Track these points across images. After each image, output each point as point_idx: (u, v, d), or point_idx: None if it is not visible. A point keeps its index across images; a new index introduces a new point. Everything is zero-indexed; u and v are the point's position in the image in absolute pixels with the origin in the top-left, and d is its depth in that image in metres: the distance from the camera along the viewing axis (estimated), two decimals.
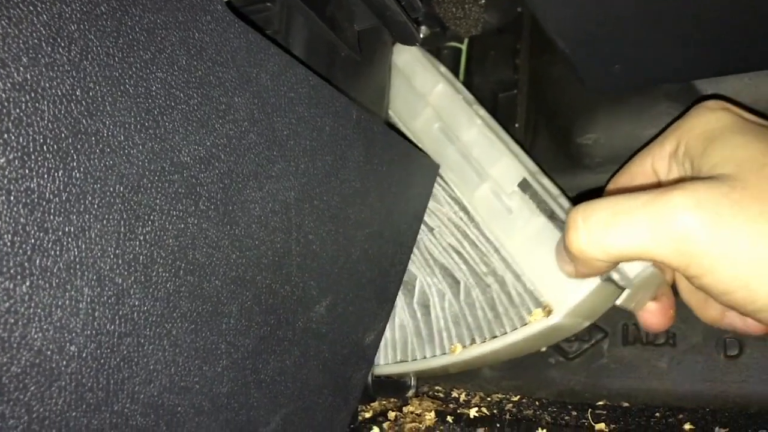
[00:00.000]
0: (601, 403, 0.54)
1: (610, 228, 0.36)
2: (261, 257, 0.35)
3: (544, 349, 0.56)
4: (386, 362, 0.55)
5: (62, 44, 0.25)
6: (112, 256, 0.28)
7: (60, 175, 0.25)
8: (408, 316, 0.54)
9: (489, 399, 0.58)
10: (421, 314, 0.54)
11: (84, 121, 0.26)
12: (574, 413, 0.53)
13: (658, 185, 0.43)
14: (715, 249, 0.33)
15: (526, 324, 0.47)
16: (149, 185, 0.29)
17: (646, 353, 0.54)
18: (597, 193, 0.45)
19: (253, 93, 0.34)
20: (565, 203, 0.48)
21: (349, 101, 0.41)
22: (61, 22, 0.25)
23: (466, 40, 0.63)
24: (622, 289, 0.44)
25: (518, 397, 0.57)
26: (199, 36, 0.31)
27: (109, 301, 0.28)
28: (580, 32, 0.49)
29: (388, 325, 0.53)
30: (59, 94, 0.25)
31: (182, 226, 0.30)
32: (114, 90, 0.27)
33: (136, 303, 0.29)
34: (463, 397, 0.59)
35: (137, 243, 0.28)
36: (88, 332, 0.27)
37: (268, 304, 0.36)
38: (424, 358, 0.53)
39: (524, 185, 0.49)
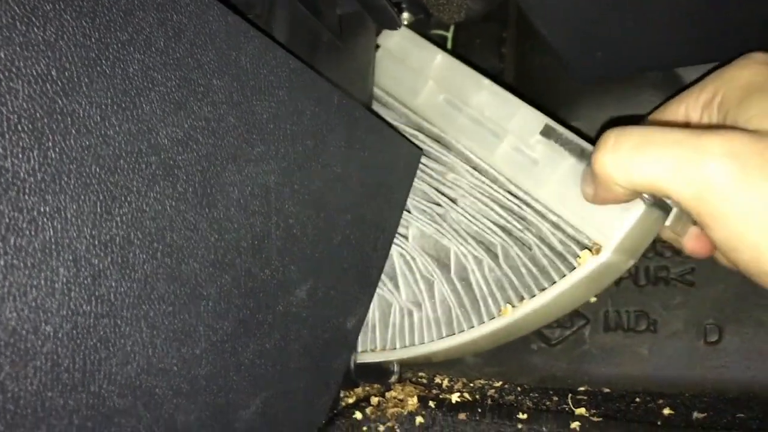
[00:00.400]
0: (582, 388, 0.54)
1: (638, 155, 0.36)
2: (240, 240, 0.35)
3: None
4: (431, 339, 0.53)
5: (37, 23, 0.25)
6: (88, 237, 0.28)
7: (35, 154, 0.25)
8: (448, 290, 0.53)
9: (471, 385, 0.58)
10: (461, 286, 0.52)
11: (59, 101, 0.26)
12: (556, 399, 0.54)
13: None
14: (736, 204, 0.33)
15: (574, 269, 0.46)
16: (126, 166, 0.29)
17: (627, 340, 0.55)
18: None
19: (233, 76, 0.34)
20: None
21: (331, 86, 0.41)
22: (36, 2, 0.25)
23: (451, 28, 0.63)
24: (668, 211, 0.43)
25: (500, 383, 0.57)
26: (178, 18, 0.31)
27: (86, 281, 0.28)
28: (561, 19, 0.49)
29: (429, 304, 0.53)
30: (34, 73, 0.25)
31: (160, 207, 0.30)
32: (90, 70, 0.27)
33: (113, 284, 0.29)
34: (445, 383, 0.59)
35: (114, 224, 0.28)
36: (64, 312, 0.27)
37: (248, 288, 0.36)
38: (472, 327, 0.51)
39: (547, 131, 0.48)
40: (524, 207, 0.49)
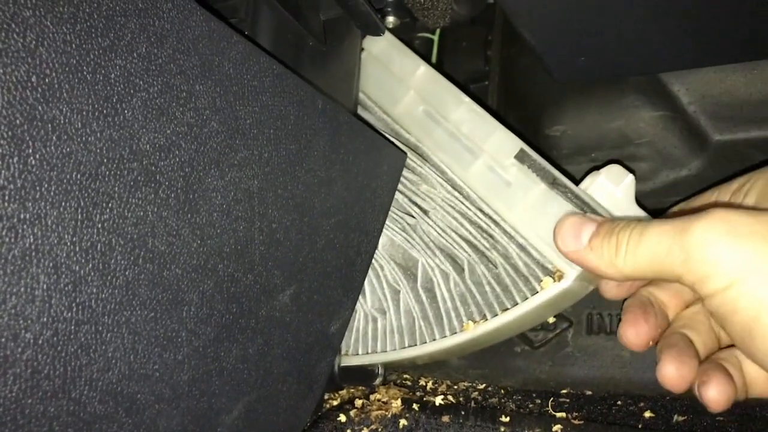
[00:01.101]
0: (564, 391, 0.55)
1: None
2: (223, 246, 0.35)
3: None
4: (393, 348, 0.54)
5: (17, 30, 0.25)
6: (69, 244, 0.27)
7: (15, 161, 0.25)
8: (413, 300, 0.53)
9: (455, 387, 0.58)
10: (426, 297, 0.53)
11: (40, 107, 0.26)
12: (538, 401, 0.54)
13: None
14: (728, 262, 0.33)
15: (536, 293, 0.47)
16: (107, 173, 0.29)
17: (609, 343, 0.55)
18: None
19: (216, 81, 0.34)
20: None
21: (315, 90, 0.41)
22: (16, 8, 0.25)
23: (437, 31, 0.63)
24: None
25: (484, 385, 0.58)
26: (160, 23, 0.31)
27: (66, 288, 0.28)
28: (545, 24, 0.50)
29: (393, 313, 0.53)
30: (14, 80, 0.25)
31: (141, 213, 0.30)
32: (71, 77, 0.27)
33: (94, 290, 0.29)
34: (430, 385, 0.59)
35: (95, 230, 0.28)
36: (45, 319, 0.27)
37: (230, 293, 0.36)
38: (434, 339, 0.52)
39: (521, 156, 0.49)
40: (493, 226, 0.50)
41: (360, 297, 0.54)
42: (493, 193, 0.50)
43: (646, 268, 0.37)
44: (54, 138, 0.26)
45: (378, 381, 0.57)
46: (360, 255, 0.49)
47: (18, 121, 0.25)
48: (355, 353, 0.54)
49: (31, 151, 0.26)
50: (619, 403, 0.52)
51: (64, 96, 0.27)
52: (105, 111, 0.28)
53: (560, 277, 0.46)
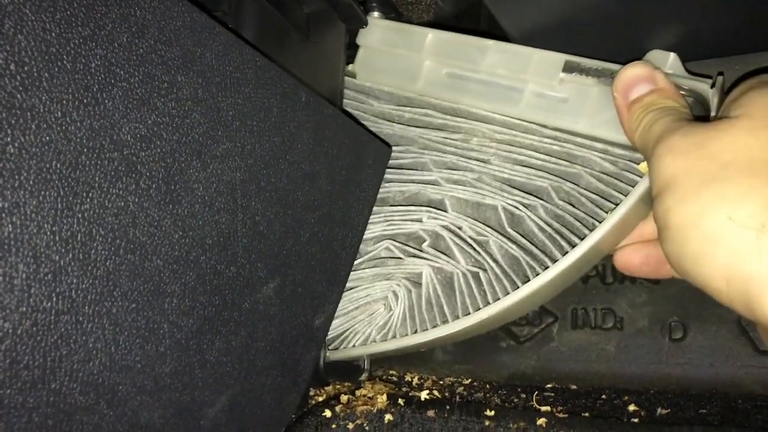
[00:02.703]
0: (550, 385, 0.55)
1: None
2: (205, 237, 0.35)
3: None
4: (505, 293, 0.49)
5: None
6: (48, 233, 0.27)
7: None
8: (509, 242, 0.50)
9: (441, 382, 0.58)
10: (520, 234, 0.50)
11: (19, 96, 0.26)
12: (524, 396, 0.54)
13: None
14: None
15: (640, 181, 0.45)
16: (88, 162, 0.28)
17: (594, 337, 0.55)
18: None
19: (197, 72, 0.34)
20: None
21: (298, 83, 0.41)
22: None
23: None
24: (706, 103, 0.45)
25: (470, 380, 0.58)
26: (141, 14, 0.31)
27: (46, 278, 0.28)
28: (529, 24, 0.50)
29: (492, 262, 0.50)
30: None
31: (122, 204, 0.30)
32: (51, 65, 0.27)
33: (74, 281, 0.29)
34: (415, 380, 0.59)
35: (75, 220, 0.28)
36: (24, 309, 0.27)
37: (213, 285, 0.36)
38: (547, 268, 0.47)
39: (570, 67, 0.49)
40: (566, 144, 0.49)
41: (450, 260, 0.52)
42: (553, 115, 0.49)
43: (642, 148, 0.41)
44: (33, 126, 0.26)
45: (364, 376, 0.57)
46: (345, 249, 0.49)
47: None
48: (465, 313, 0.50)
49: (9, 139, 0.25)
50: (603, 396, 0.53)
51: (44, 84, 0.27)
52: (85, 100, 0.28)
53: None
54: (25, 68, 0.26)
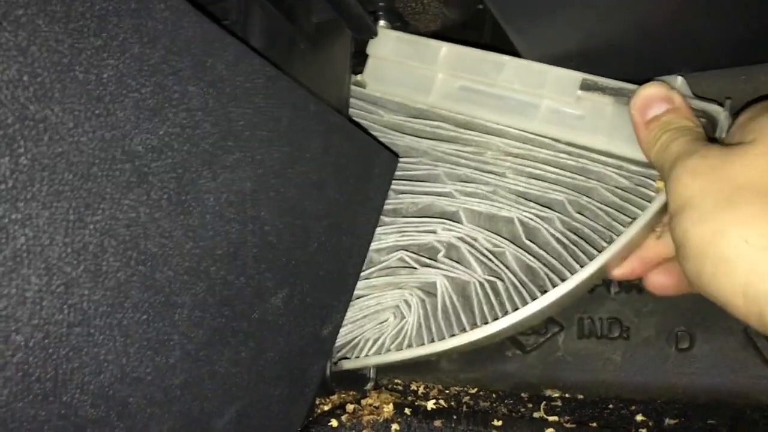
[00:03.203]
0: (556, 395, 0.55)
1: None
2: (215, 248, 0.35)
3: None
4: (524, 303, 0.49)
5: (8, 29, 0.25)
6: (61, 245, 0.27)
7: (6, 161, 0.25)
8: (525, 253, 0.50)
9: (447, 392, 0.58)
10: (536, 245, 0.50)
11: (31, 107, 0.26)
12: (530, 405, 0.54)
13: None
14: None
15: (654, 197, 0.46)
16: (99, 173, 0.28)
17: (600, 347, 0.55)
18: None
19: (208, 82, 0.33)
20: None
21: (307, 93, 0.41)
22: (8, 7, 0.25)
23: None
24: (716, 123, 0.46)
25: (476, 389, 0.57)
26: (153, 24, 0.30)
27: (58, 290, 0.27)
28: (534, 32, 0.50)
29: (509, 272, 0.50)
30: (5, 79, 0.25)
31: (134, 215, 0.30)
32: (63, 76, 0.27)
33: (86, 292, 0.29)
34: (421, 390, 0.59)
35: (87, 232, 0.28)
36: (36, 322, 0.27)
37: (223, 296, 0.36)
38: (565, 279, 0.48)
39: (587, 85, 0.49)
40: (581, 160, 0.49)
41: (467, 270, 0.52)
42: (568, 130, 0.50)
43: (659, 167, 0.42)
44: (46, 138, 0.26)
45: (369, 385, 0.57)
46: (352, 258, 0.49)
47: (9, 120, 0.25)
48: (484, 322, 0.49)
49: (22, 150, 0.25)
50: (610, 406, 0.52)
51: (56, 95, 0.26)
52: (97, 111, 0.28)
53: None
54: (38, 79, 0.26)
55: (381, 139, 0.55)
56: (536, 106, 0.51)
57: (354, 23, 0.50)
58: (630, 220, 0.47)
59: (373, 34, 0.53)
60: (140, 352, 0.32)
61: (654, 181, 0.47)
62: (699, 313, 0.53)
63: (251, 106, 0.36)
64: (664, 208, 0.46)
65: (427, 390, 0.59)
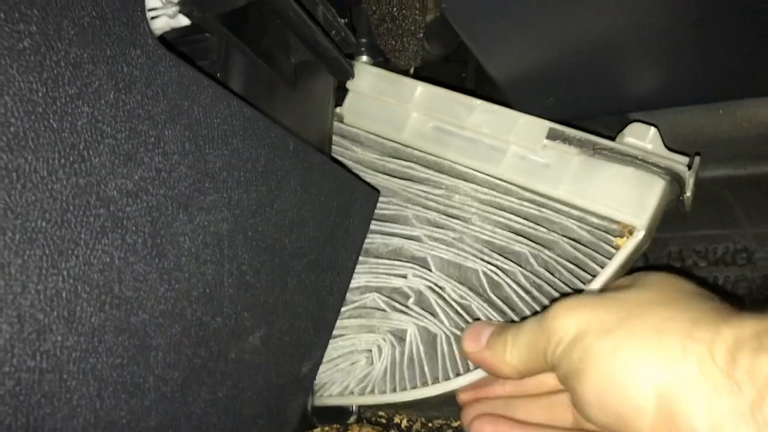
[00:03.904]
0: None
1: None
2: (191, 290, 0.35)
3: None
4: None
5: None
6: (33, 292, 0.27)
7: None
8: (490, 308, 0.49)
9: (430, 425, 0.58)
10: (501, 301, 0.49)
11: (4, 156, 0.26)
12: None
13: None
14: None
15: (615, 254, 0.46)
16: (73, 220, 0.28)
17: None
18: None
19: (185, 125, 0.34)
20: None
21: (286, 132, 0.41)
22: None
23: (412, 69, 0.64)
24: (682, 184, 0.47)
25: (458, 422, 0.57)
26: (128, 70, 0.31)
27: (30, 337, 0.27)
28: (512, 65, 0.50)
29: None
30: None
31: (108, 260, 0.30)
32: (37, 125, 0.27)
33: (59, 338, 0.29)
34: (404, 422, 0.59)
35: (60, 278, 0.28)
36: (7, 369, 0.27)
37: (199, 337, 0.36)
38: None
39: (554, 134, 0.50)
40: (544, 210, 0.49)
41: (435, 321, 0.51)
42: (533, 178, 0.50)
43: (528, 358, 0.39)
44: (19, 187, 0.26)
45: (352, 419, 0.57)
46: (332, 294, 0.49)
47: None
48: (446, 378, 0.48)
49: None
50: None
51: (30, 144, 0.27)
52: (71, 158, 0.28)
53: (631, 232, 0.46)
54: (11, 129, 0.26)
55: None
56: (503, 151, 0.52)
57: (331, 66, 0.50)
58: (590, 277, 0.47)
59: (350, 76, 0.54)
60: (114, 396, 0.32)
61: (614, 237, 0.47)
62: None
63: (228, 148, 0.37)
64: (623, 267, 0.47)
65: (411, 423, 0.59)
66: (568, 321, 0.36)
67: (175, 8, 0.38)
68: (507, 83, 0.52)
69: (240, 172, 0.37)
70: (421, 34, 0.50)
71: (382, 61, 0.56)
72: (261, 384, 0.42)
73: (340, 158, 0.57)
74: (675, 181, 0.47)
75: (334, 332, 0.52)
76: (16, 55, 0.26)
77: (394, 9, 0.47)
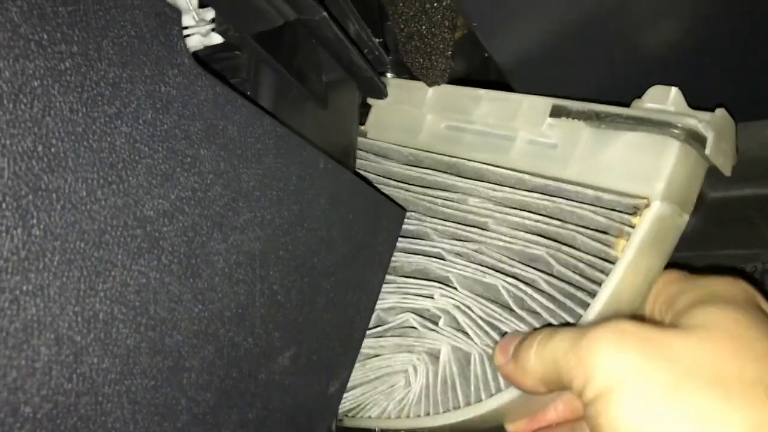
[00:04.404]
0: None
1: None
2: (224, 310, 0.35)
3: None
4: None
5: (24, 101, 0.25)
6: (71, 314, 0.27)
7: (19, 233, 0.25)
8: (519, 324, 0.46)
9: None
10: (528, 315, 0.46)
11: (45, 177, 0.26)
12: None
13: None
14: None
15: (632, 233, 0.41)
16: (111, 241, 0.28)
17: None
18: None
19: (220, 145, 0.34)
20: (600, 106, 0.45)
21: (317, 150, 0.41)
22: (24, 79, 0.25)
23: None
24: (703, 142, 0.41)
25: None
26: (166, 89, 0.31)
27: (67, 360, 0.27)
28: (525, 65, 0.50)
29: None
30: (20, 150, 0.25)
31: (144, 281, 0.30)
32: (77, 145, 0.27)
33: (95, 361, 0.28)
34: None
35: (97, 300, 0.28)
36: (45, 392, 0.26)
37: (231, 357, 0.36)
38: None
39: (557, 110, 0.46)
40: (556, 199, 0.46)
41: (467, 340, 0.49)
42: (542, 162, 0.47)
43: (550, 373, 0.35)
44: (58, 207, 0.26)
45: None
46: (359, 313, 0.48)
47: (23, 192, 0.25)
48: (478, 399, 0.45)
49: (35, 221, 0.25)
50: None
51: (70, 165, 0.26)
52: (110, 178, 0.28)
53: (647, 204, 0.41)
54: (52, 150, 0.26)
55: (382, 190, 0.55)
56: (512, 139, 0.49)
57: (365, 85, 0.50)
58: (611, 266, 0.42)
59: (384, 95, 0.54)
60: (148, 418, 0.31)
61: (631, 215, 0.42)
62: None
63: (261, 167, 0.36)
64: (651, 249, 0.42)
65: None
66: (608, 362, 0.32)
67: (209, 26, 0.38)
68: (519, 77, 0.51)
69: (273, 191, 0.37)
70: (450, 53, 0.49)
71: (408, 77, 0.56)
72: (290, 404, 0.42)
73: (364, 173, 0.56)
74: (693, 140, 0.41)
75: (371, 351, 0.52)
76: (57, 76, 0.26)
77: (423, 27, 0.47)
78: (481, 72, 0.68)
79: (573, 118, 0.45)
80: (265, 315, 0.38)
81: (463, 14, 0.48)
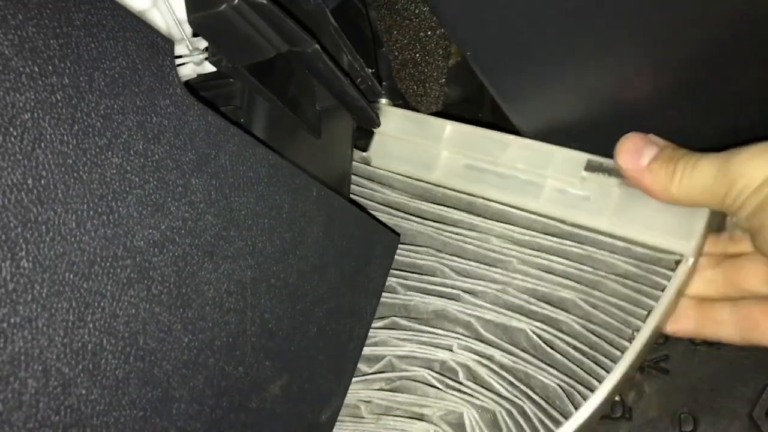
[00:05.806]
0: None
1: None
2: (214, 339, 0.35)
3: None
4: (557, 426, 0.45)
5: (14, 133, 0.25)
6: (59, 346, 0.27)
7: (7, 265, 0.25)
8: (547, 375, 0.46)
9: None
10: (556, 362, 0.47)
11: (34, 209, 0.26)
12: None
13: None
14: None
15: (665, 286, 0.45)
16: (100, 272, 0.28)
17: (602, 426, 0.54)
18: None
19: (211, 174, 0.34)
20: None
21: (310, 178, 0.41)
22: (15, 111, 0.25)
23: None
24: None
25: None
26: (157, 120, 0.31)
27: (55, 391, 0.27)
28: (541, 118, 0.50)
29: (534, 394, 0.46)
30: (9, 183, 0.25)
31: (133, 311, 0.30)
32: (67, 177, 0.27)
33: (83, 392, 0.28)
34: None
35: (86, 331, 0.28)
36: (31, 425, 0.26)
37: (221, 387, 0.36)
38: (592, 391, 0.44)
39: (592, 166, 0.48)
40: (587, 247, 0.48)
41: (488, 395, 0.47)
42: (573, 211, 0.48)
43: (698, 196, 0.41)
44: (47, 239, 0.26)
45: None
46: (352, 340, 0.48)
47: (12, 224, 0.25)
48: None
49: (24, 253, 0.25)
50: None
51: (59, 197, 0.26)
52: (100, 210, 0.28)
53: (678, 260, 0.45)
54: (42, 182, 0.26)
55: (386, 221, 0.54)
56: (540, 185, 0.50)
57: (358, 114, 0.50)
58: (644, 312, 0.45)
59: (376, 124, 0.53)
60: None
61: (662, 268, 0.45)
62: (704, 395, 0.52)
63: (253, 195, 0.36)
64: (678, 297, 0.45)
65: None
66: (759, 165, 0.37)
67: (202, 55, 0.38)
68: (532, 132, 0.51)
69: (265, 219, 0.37)
70: (444, 80, 0.50)
71: (402, 104, 0.56)
72: None
73: (369, 201, 0.56)
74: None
75: (383, 403, 0.51)
76: (48, 108, 0.26)
77: (417, 55, 0.48)
78: (474, 101, 0.69)
79: (607, 174, 0.48)
80: (256, 344, 0.38)
81: (456, 42, 0.48)
